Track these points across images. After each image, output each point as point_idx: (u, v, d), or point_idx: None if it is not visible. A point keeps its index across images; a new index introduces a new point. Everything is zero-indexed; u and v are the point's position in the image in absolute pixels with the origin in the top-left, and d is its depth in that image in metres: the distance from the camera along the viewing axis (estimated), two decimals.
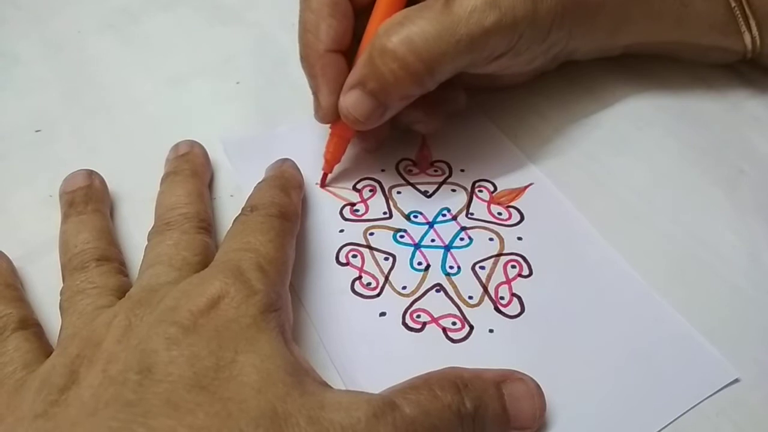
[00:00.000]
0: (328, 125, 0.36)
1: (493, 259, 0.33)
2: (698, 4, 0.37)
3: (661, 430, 0.27)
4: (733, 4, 0.37)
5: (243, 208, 0.31)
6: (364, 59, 0.32)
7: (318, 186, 0.36)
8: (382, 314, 0.31)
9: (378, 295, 0.32)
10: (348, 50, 0.35)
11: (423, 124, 0.37)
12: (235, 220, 0.31)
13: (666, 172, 0.37)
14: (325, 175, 0.36)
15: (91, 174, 0.35)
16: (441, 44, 0.31)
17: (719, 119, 0.40)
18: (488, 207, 0.35)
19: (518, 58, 0.35)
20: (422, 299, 0.32)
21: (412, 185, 0.37)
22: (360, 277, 0.32)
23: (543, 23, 0.33)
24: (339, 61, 0.34)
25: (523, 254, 0.33)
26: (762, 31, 0.38)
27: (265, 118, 0.41)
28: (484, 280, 0.32)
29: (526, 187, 0.37)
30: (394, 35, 0.31)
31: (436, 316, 0.31)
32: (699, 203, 0.35)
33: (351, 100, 0.33)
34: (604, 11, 0.36)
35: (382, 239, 0.34)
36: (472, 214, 0.35)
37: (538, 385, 0.27)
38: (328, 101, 0.34)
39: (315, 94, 0.35)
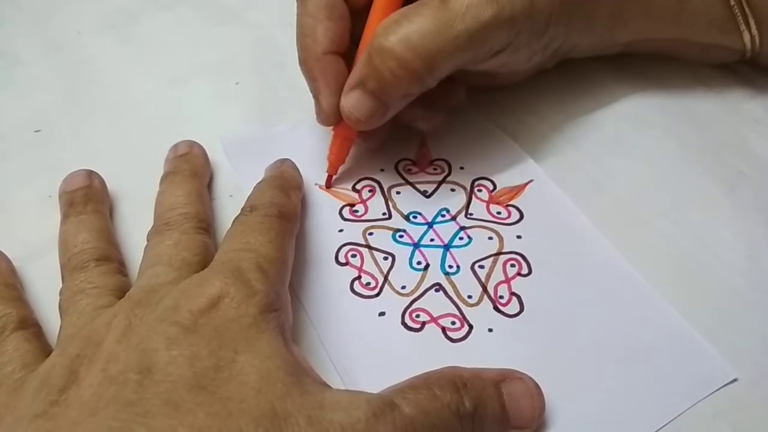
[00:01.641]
0: (330, 127, 0.36)
1: (492, 258, 0.33)
2: (696, 1, 0.37)
3: (659, 429, 0.27)
4: (732, 2, 0.37)
5: (242, 209, 0.31)
6: (363, 59, 0.32)
7: (319, 188, 0.36)
8: (382, 314, 0.31)
9: (377, 294, 0.32)
10: (346, 52, 0.35)
11: (424, 120, 0.37)
12: (234, 221, 0.31)
13: (665, 172, 0.37)
14: (329, 177, 0.36)
15: (90, 174, 0.35)
16: (439, 41, 0.31)
17: (718, 120, 0.40)
18: (487, 207, 0.35)
19: (517, 54, 0.35)
20: (421, 299, 0.32)
21: (412, 185, 0.37)
22: (359, 277, 0.32)
23: (541, 17, 0.33)
24: (338, 63, 0.34)
25: (522, 253, 0.33)
26: (761, 29, 0.38)
27: (265, 118, 0.41)
28: (483, 280, 0.32)
29: (525, 184, 0.37)
30: (392, 34, 0.31)
31: (435, 316, 0.31)
32: (698, 204, 0.35)
33: (352, 101, 0.33)
34: (602, 6, 0.36)
35: (382, 239, 0.34)
36: (471, 214, 0.35)
37: (537, 385, 0.27)
38: (329, 103, 0.34)
39: (315, 97, 0.35)
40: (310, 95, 0.35)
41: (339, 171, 0.37)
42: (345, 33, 0.35)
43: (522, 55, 0.35)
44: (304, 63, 0.35)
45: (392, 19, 0.32)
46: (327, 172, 0.36)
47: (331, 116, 0.35)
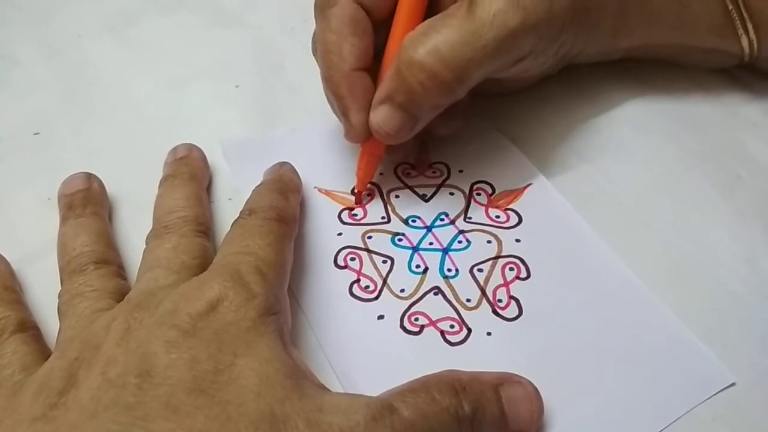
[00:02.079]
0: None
1: (491, 262, 0.33)
2: (696, 6, 0.37)
3: None
4: (731, 7, 0.37)
5: (241, 212, 0.31)
6: (391, 73, 0.32)
7: (319, 191, 0.36)
8: (380, 317, 0.31)
9: (376, 298, 0.32)
10: (370, 67, 0.34)
11: (444, 127, 0.37)
12: (233, 224, 0.31)
13: (664, 177, 0.37)
14: (359, 194, 0.36)
15: (89, 177, 0.35)
16: (468, 51, 0.31)
17: (717, 124, 0.40)
18: (486, 210, 0.35)
19: (536, 60, 0.35)
20: (420, 302, 0.32)
21: (411, 188, 0.37)
22: (358, 280, 0.32)
23: (557, 23, 0.33)
24: (364, 78, 0.34)
25: (521, 256, 0.33)
26: (759, 34, 0.38)
27: (264, 122, 0.41)
28: (482, 283, 0.32)
29: (524, 188, 0.37)
30: (420, 46, 0.31)
31: (434, 319, 0.31)
32: (697, 208, 0.35)
33: (381, 116, 0.33)
34: (607, 13, 0.36)
35: (381, 242, 0.34)
36: (470, 218, 0.35)
37: (535, 388, 0.27)
38: (358, 120, 0.33)
39: (344, 114, 0.34)
40: (310, 98, 0.35)
41: (335, 172, 0.37)
42: (370, 48, 0.34)
43: (540, 60, 0.35)
44: (330, 80, 0.34)
45: (419, 31, 0.32)
46: (356, 188, 0.36)
47: (362, 133, 0.34)
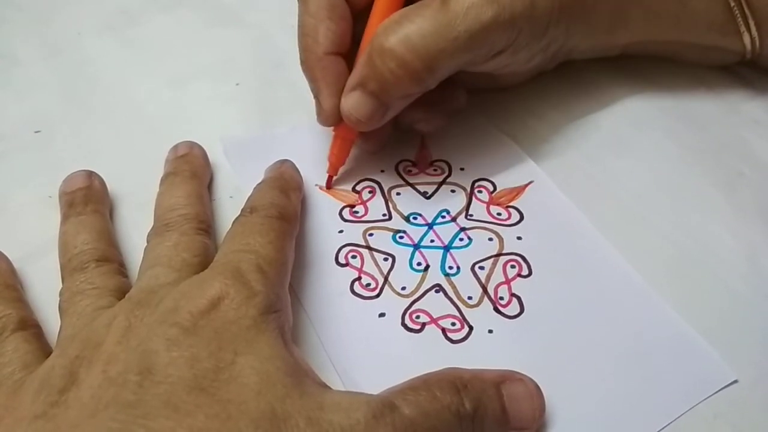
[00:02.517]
0: (331, 128, 0.36)
1: (492, 259, 0.33)
2: (696, 3, 0.37)
3: (659, 431, 0.27)
4: (732, 4, 0.37)
5: (242, 210, 0.31)
6: (363, 60, 0.32)
7: (319, 189, 0.36)
8: (382, 315, 0.31)
9: (377, 295, 0.32)
10: (347, 53, 0.35)
11: (425, 123, 0.37)
12: (234, 222, 0.31)
13: (665, 174, 0.37)
14: (330, 178, 0.36)
15: (90, 175, 0.35)
16: (439, 41, 0.31)
17: (718, 121, 0.40)
18: (487, 208, 0.35)
19: (517, 56, 0.35)
20: (421, 300, 0.32)
21: (412, 186, 0.37)
22: (359, 278, 0.32)
23: (541, 19, 0.33)
24: (339, 63, 0.34)
25: (522, 254, 0.33)
26: (761, 31, 0.38)
27: (265, 119, 0.41)
28: (483, 281, 0.32)
29: (525, 185, 0.37)
30: (392, 34, 0.31)
31: (435, 317, 0.31)
32: (698, 205, 0.35)
33: (352, 102, 0.33)
34: (601, 8, 0.36)
35: (382, 240, 0.34)
36: (471, 215, 0.35)
37: (537, 386, 0.27)
38: (329, 104, 0.34)
39: (316, 97, 0.35)
40: (311, 96, 0.35)
41: (339, 172, 0.37)
42: (346, 33, 0.35)
43: (522, 56, 0.35)
44: (305, 63, 0.35)
45: (393, 19, 0.32)
46: (327, 172, 0.36)
47: (332, 117, 0.35)
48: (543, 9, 0.33)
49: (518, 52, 0.34)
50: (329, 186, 0.36)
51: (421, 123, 0.37)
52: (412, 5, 0.32)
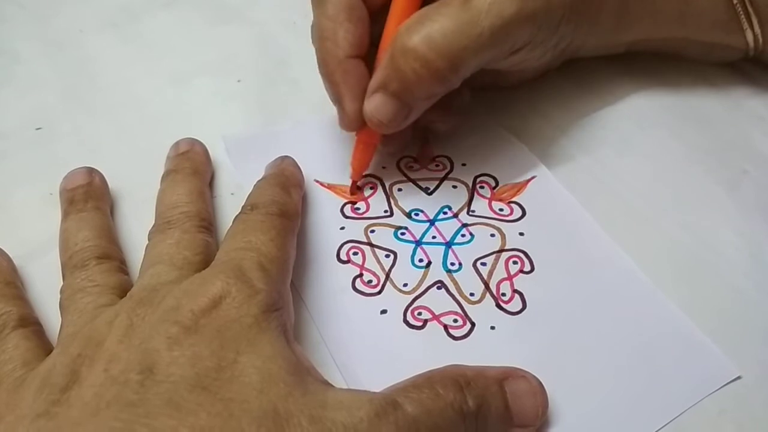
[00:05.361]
0: (346, 130, 0.35)
1: (494, 255, 0.33)
2: (701, 1, 0.37)
3: (663, 427, 0.27)
4: (735, 2, 0.37)
5: (243, 207, 0.31)
6: (385, 61, 0.32)
7: (321, 185, 0.36)
8: (383, 312, 0.31)
9: (379, 292, 0.32)
10: (366, 55, 0.34)
11: (442, 122, 0.37)
12: (235, 219, 0.31)
13: (669, 171, 0.37)
14: (353, 184, 0.36)
15: (91, 172, 0.35)
16: (462, 39, 0.31)
17: (722, 119, 0.40)
18: (489, 204, 0.35)
19: (534, 52, 0.35)
20: (423, 296, 0.31)
21: (413, 182, 0.37)
22: (361, 275, 0.32)
23: (555, 14, 0.33)
24: (359, 66, 0.34)
25: (524, 250, 0.33)
26: (764, 28, 0.38)
27: (266, 117, 0.41)
28: (485, 277, 0.32)
29: (528, 181, 0.36)
30: (415, 34, 0.31)
31: (437, 314, 0.31)
32: (702, 203, 0.35)
33: (375, 104, 0.32)
34: (607, 6, 0.36)
35: (383, 236, 0.34)
36: (473, 211, 0.35)
37: (540, 383, 0.27)
38: (352, 108, 0.33)
39: (338, 102, 0.34)
40: (312, 93, 0.35)
41: (339, 168, 0.36)
42: (365, 35, 0.34)
43: (537, 52, 0.35)
44: (326, 68, 0.34)
45: (414, 19, 0.31)
46: (351, 178, 0.36)
47: (355, 121, 0.34)
48: (557, 4, 0.33)
49: (535, 48, 0.34)
50: (353, 192, 0.36)
51: (438, 123, 0.37)
52: (433, 4, 0.32)
